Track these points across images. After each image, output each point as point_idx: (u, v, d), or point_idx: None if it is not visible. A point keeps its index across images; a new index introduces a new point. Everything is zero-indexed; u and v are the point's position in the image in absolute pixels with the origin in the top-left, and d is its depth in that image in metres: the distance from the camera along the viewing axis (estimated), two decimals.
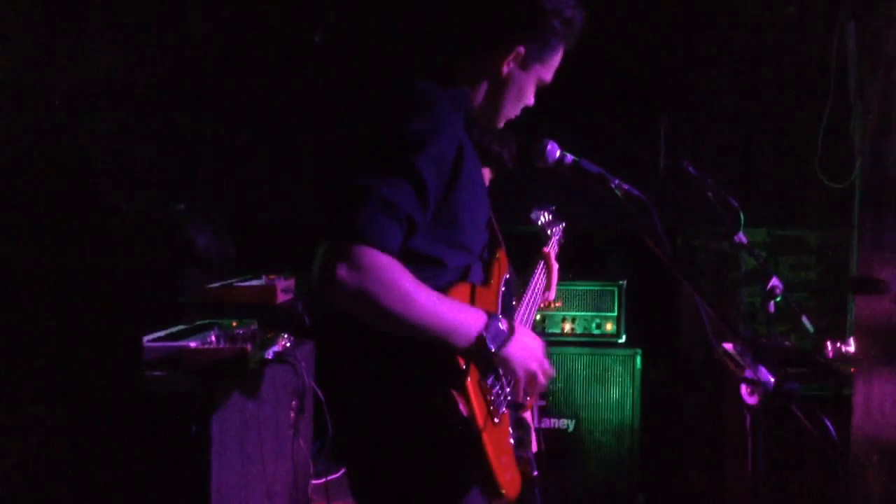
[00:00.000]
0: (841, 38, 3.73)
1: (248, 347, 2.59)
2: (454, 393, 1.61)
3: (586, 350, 4.17)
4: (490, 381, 1.72)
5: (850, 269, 4.27)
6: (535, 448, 3.02)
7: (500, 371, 1.78)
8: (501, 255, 1.95)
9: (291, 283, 3.24)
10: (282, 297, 3.12)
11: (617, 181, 1.93)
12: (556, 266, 2.77)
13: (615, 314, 4.26)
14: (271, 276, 3.27)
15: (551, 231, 2.83)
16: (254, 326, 2.85)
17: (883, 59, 2.07)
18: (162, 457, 2.28)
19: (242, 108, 4.61)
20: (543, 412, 4.09)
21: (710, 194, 3.13)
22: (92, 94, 4.19)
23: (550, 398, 4.11)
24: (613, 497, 4.14)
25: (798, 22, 4.15)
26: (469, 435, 1.62)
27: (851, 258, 4.24)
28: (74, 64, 3.95)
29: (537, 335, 1.86)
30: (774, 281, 3.01)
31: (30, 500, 2.07)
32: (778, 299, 3.03)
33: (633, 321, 4.31)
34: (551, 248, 2.79)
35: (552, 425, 4.12)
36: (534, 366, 1.80)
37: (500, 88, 1.83)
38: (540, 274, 2.60)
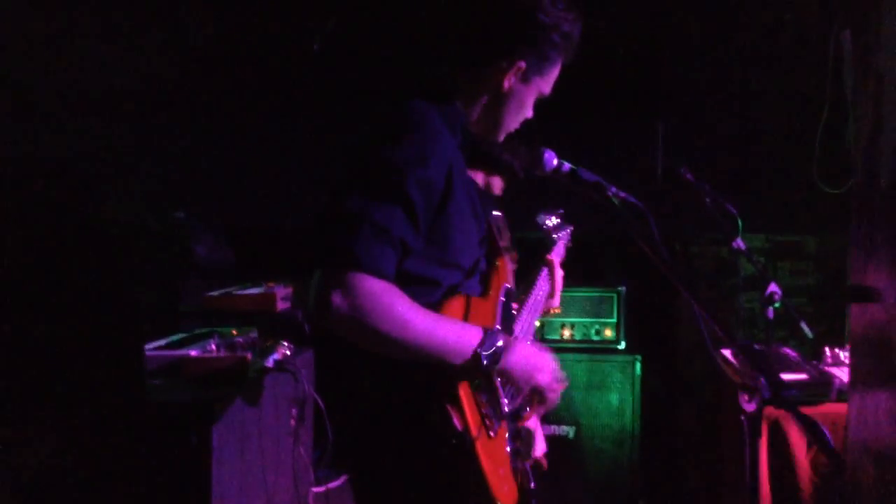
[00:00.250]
0: (837, 45, 3.74)
1: (248, 356, 2.59)
2: (448, 407, 1.62)
3: (585, 356, 4.17)
4: (485, 394, 1.73)
5: (848, 276, 4.28)
6: (543, 450, 3.02)
7: (498, 384, 1.79)
8: (501, 263, 1.95)
9: (291, 290, 3.25)
10: (281, 305, 3.13)
11: (614, 189, 1.94)
12: (560, 273, 2.75)
13: (614, 320, 4.26)
14: (271, 284, 3.28)
15: (558, 235, 2.80)
16: (253, 335, 2.86)
17: (873, 71, 2.09)
18: (162, 466, 2.29)
19: (241, 116, 4.62)
20: (543, 419, 4.09)
21: (707, 200, 3.14)
22: (91, 101, 4.20)
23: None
24: (614, 503, 4.14)
25: (795, 29, 4.16)
26: (464, 448, 1.62)
27: (849, 264, 4.24)
28: (72, 71, 3.96)
29: (538, 343, 1.87)
30: (773, 287, 3.02)
31: None
32: (776, 305, 3.03)
33: (632, 327, 4.31)
34: (556, 254, 2.77)
35: (552, 432, 4.12)
36: (539, 378, 1.81)
37: (500, 102, 1.84)
38: (543, 280, 2.58)
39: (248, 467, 2.63)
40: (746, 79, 4.54)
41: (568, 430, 4.13)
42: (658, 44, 4.46)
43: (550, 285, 2.66)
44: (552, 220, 2.81)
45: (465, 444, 1.62)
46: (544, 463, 2.94)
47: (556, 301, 2.76)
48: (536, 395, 1.84)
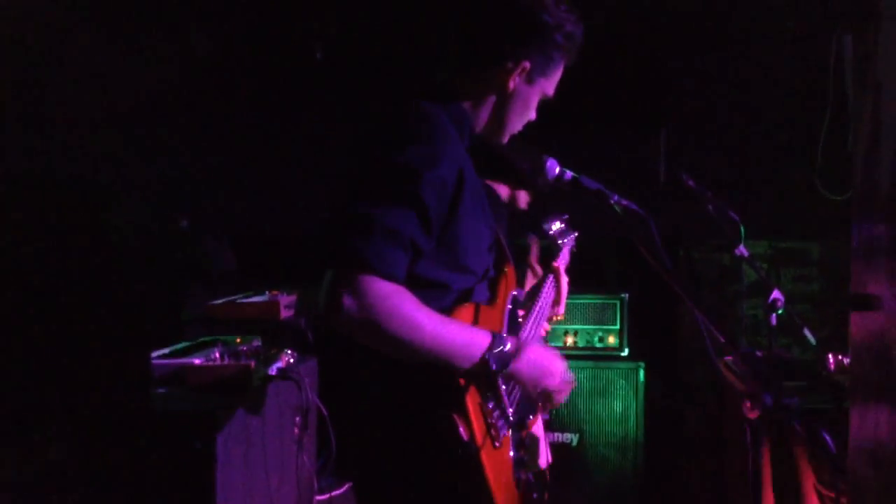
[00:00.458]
0: (838, 52, 3.74)
1: (252, 364, 2.60)
2: (455, 416, 1.62)
3: (589, 363, 4.17)
4: (491, 403, 1.73)
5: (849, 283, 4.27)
6: (548, 460, 3.01)
7: (503, 392, 1.79)
8: (509, 270, 1.96)
9: (294, 298, 3.25)
10: (285, 314, 3.13)
11: (616, 197, 1.95)
12: (565, 279, 2.75)
13: (618, 327, 4.26)
14: (274, 292, 3.28)
15: (562, 241, 2.80)
16: (257, 343, 2.87)
17: (872, 78, 2.09)
18: (167, 474, 2.29)
19: (245, 124, 4.63)
20: (546, 426, 4.09)
21: (710, 207, 3.14)
22: (95, 110, 4.21)
23: (553, 412, 4.11)
24: None
25: (796, 35, 4.17)
26: (469, 458, 1.63)
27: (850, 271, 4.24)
28: (77, 81, 3.98)
29: (545, 345, 1.87)
30: (776, 293, 3.01)
31: None
32: (780, 312, 3.03)
33: (635, 334, 4.31)
34: (561, 261, 2.77)
35: (556, 439, 4.11)
36: (547, 381, 1.81)
37: (505, 103, 1.85)
38: (549, 287, 2.58)
39: (252, 475, 2.63)
40: (748, 85, 4.55)
41: (571, 438, 4.12)
42: (660, 52, 4.47)
43: (556, 292, 2.66)
44: (557, 226, 2.80)
45: (470, 453, 1.62)
46: (547, 475, 2.95)
47: (562, 308, 2.76)
48: (544, 396, 1.84)
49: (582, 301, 4.24)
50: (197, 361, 2.59)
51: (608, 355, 4.21)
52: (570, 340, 4.24)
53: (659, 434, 4.40)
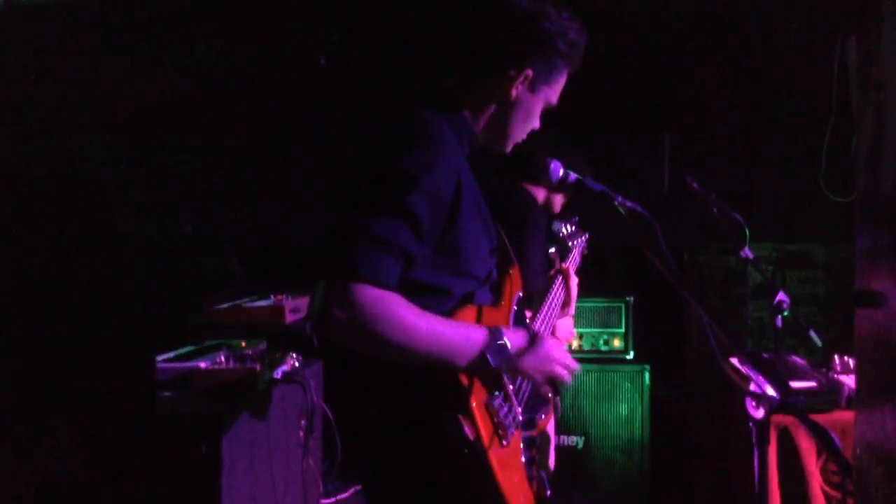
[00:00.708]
0: (843, 54, 3.75)
1: (258, 367, 2.61)
2: (460, 417, 1.62)
3: (594, 367, 4.17)
4: (497, 402, 1.72)
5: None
6: (552, 465, 3.01)
7: (511, 391, 1.79)
8: (514, 272, 1.96)
9: (299, 302, 3.26)
10: (290, 317, 3.14)
11: (620, 198, 1.94)
12: (575, 281, 2.74)
13: (623, 330, 4.26)
14: (279, 296, 3.29)
15: (573, 243, 2.79)
16: (262, 346, 2.87)
17: (874, 79, 2.10)
18: (173, 477, 2.30)
19: (249, 130, 4.64)
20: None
21: (715, 210, 3.14)
22: (100, 119, 4.24)
23: (559, 415, 4.10)
24: None
25: (801, 38, 4.17)
26: (476, 458, 1.62)
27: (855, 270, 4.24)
28: (81, 90, 4.00)
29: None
30: (781, 295, 3.01)
31: None
32: (785, 314, 3.03)
33: (640, 337, 4.31)
34: (571, 263, 2.76)
35: (561, 442, 4.11)
36: (550, 367, 1.80)
37: (508, 112, 1.85)
38: (558, 289, 2.57)
39: (258, 478, 2.64)
40: (752, 88, 4.55)
41: (577, 441, 4.12)
42: (665, 56, 4.47)
43: (565, 294, 2.65)
44: (568, 228, 2.79)
45: (477, 453, 1.62)
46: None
47: (572, 310, 2.74)
48: (551, 383, 1.84)
49: (587, 304, 4.24)
50: (203, 365, 2.59)
51: (613, 358, 4.21)
52: (575, 343, 4.23)
53: (664, 437, 4.40)
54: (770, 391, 1.55)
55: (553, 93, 1.90)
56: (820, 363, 3.49)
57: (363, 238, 1.56)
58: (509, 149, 1.92)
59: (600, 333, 4.25)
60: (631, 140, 4.49)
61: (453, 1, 1.93)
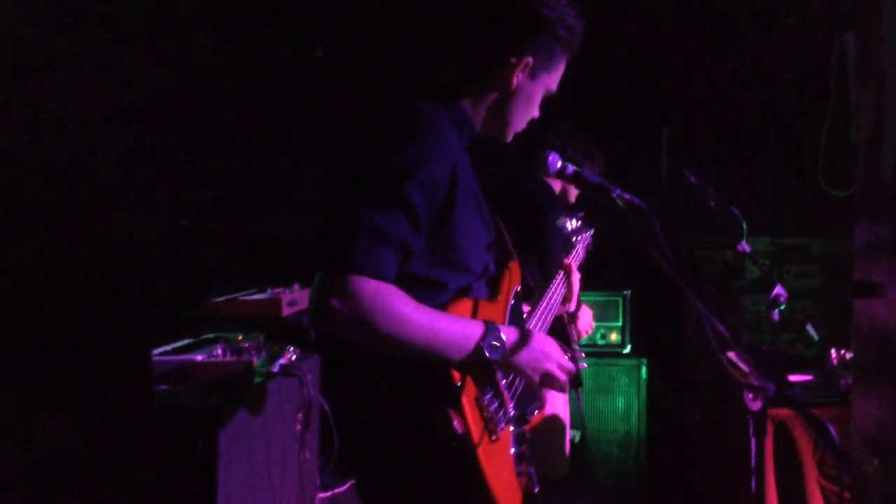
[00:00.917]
0: (840, 48, 3.74)
1: (254, 360, 2.60)
2: (449, 410, 1.62)
3: (591, 360, 4.17)
4: (488, 397, 1.72)
5: (852, 272, 4.27)
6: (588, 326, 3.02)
7: (503, 386, 1.79)
8: (514, 266, 1.95)
9: (297, 296, 3.25)
10: (287, 311, 3.13)
11: (618, 191, 1.94)
12: (577, 276, 2.73)
13: (620, 324, 4.26)
14: (277, 290, 3.28)
15: (577, 238, 2.78)
16: (260, 340, 2.87)
17: (874, 71, 2.09)
18: (169, 470, 2.29)
19: (246, 123, 4.63)
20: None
21: (712, 204, 3.14)
22: (96, 111, 4.22)
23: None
24: None
25: (799, 32, 4.17)
26: (464, 452, 1.62)
27: (854, 261, 4.24)
28: (79, 82, 3.99)
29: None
30: (778, 289, 3.01)
31: None
32: (782, 308, 3.03)
33: (637, 331, 4.31)
34: (574, 258, 2.75)
35: None
36: (546, 365, 1.80)
37: (509, 100, 1.84)
38: (559, 284, 2.56)
39: (255, 472, 2.63)
40: (750, 82, 4.54)
41: (574, 434, 4.12)
42: (663, 49, 4.47)
43: (567, 289, 2.64)
44: (573, 223, 2.78)
45: (466, 447, 1.62)
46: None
47: (573, 306, 2.73)
48: (545, 381, 1.83)
49: (584, 298, 4.22)
50: (199, 358, 2.59)
51: (610, 352, 4.21)
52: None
53: (661, 430, 4.41)
54: (767, 383, 1.54)
55: (553, 80, 1.89)
56: (817, 357, 3.50)
57: (362, 230, 1.55)
58: (510, 138, 1.92)
59: (597, 327, 4.24)
60: (628, 133, 4.49)
61: None
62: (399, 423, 1.67)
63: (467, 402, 1.65)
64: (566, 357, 1.87)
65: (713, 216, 3.13)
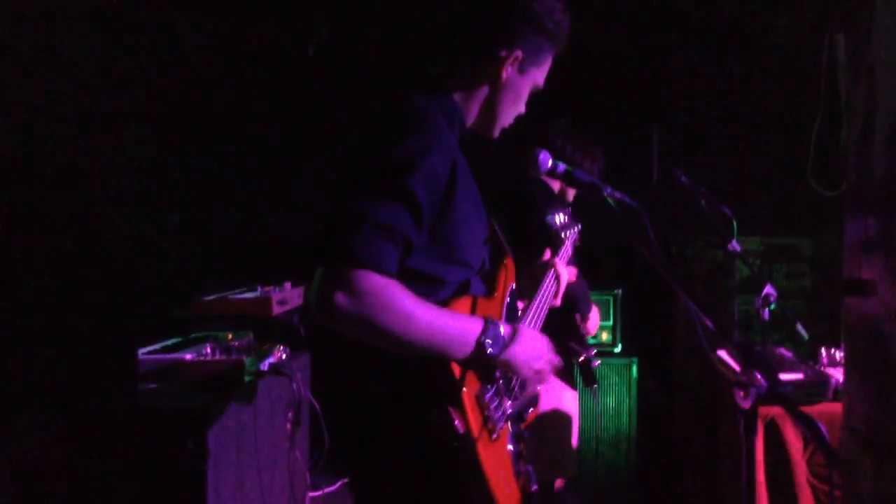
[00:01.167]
0: (830, 49, 3.76)
1: (244, 359, 2.59)
2: (450, 409, 1.61)
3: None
4: (489, 396, 1.71)
5: (842, 269, 4.29)
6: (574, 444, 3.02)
7: (501, 384, 1.78)
8: (509, 262, 1.95)
9: (287, 294, 3.24)
10: (277, 309, 3.12)
11: (609, 189, 1.94)
12: (564, 275, 2.73)
13: (611, 323, 4.26)
14: (267, 288, 3.27)
15: (565, 234, 2.78)
16: (249, 338, 2.85)
17: (865, 69, 2.10)
18: (158, 470, 2.28)
19: (236, 122, 4.62)
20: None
21: (703, 203, 3.15)
22: (86, 108, 4.20)
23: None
24: None
25: (789, 33, 4.18)
26: (465, 451, 1.61)
27: (844, 258, 4.26)
28: (69, 79, 3.97)
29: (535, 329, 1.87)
30: (768, 289, 3.02)
31: None
32: (772, 307, 3.03)
33: (628, 330, 4.31)
34: (563, 255, 2.75)
35: None
36: (539, 364, 1.80)
37: (497, 94, 1.84)
38: (550, 280, 2.56)
39: (244, 471, 2.62)
40: (741, 82, 4.56)
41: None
42: (654, 48, 4.48)
43: (557, 285, 2.64)
44: (561, 218, 2.78)
45: (466, 446, 1.61)
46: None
47: (559, 301, 2.74)
48: (537, 377, 1.83)
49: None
50: (188, 357, 2.58)
51: (601, 351, 4.21)
52: None
53: (651, 429, 4.41)
54: (758, 380, 1.54)
55: (540, 74, 1.89)
56: (807, 356, 3.51)
57: (365, 224, 1.54)
58: (497, 133, 1.92)
59: None
60: (619, 132, 4.49)
61: None
62: (398, 421, 1.66)
63: (468, 400, 1.64)
64: (558, 357, 1.87)
65: (704, 215, 3.14)
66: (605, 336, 4.25)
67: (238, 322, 3.00)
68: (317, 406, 2.85)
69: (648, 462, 4.37)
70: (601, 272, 4.65)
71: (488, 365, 1.70)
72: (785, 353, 3.50)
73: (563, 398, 3.17)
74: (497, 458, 1.70)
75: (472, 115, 1.86)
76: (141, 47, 4.25)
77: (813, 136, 3.96)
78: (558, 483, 3.22)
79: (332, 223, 1.58)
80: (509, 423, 1.80)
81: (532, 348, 1.79)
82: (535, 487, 1.85)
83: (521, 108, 1.91)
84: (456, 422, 1.60)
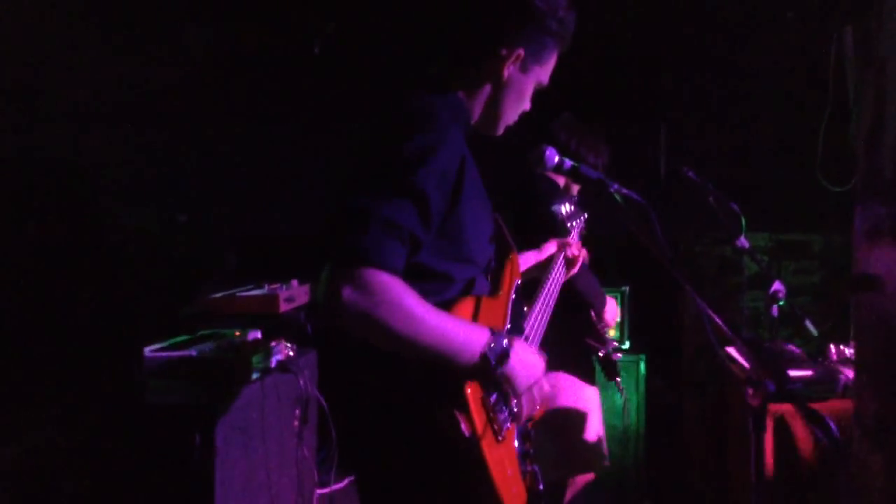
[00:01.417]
0: (839, 43, 3.74)
1: (251, 357, 2.59)
2: (456, 412, 1.60)
3: None
4: (493, 398, 1.70)
5: (852, 264, 4.28)
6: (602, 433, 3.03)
7: (505, 388, 1.77)
8: (514, 258, 1.94)
9: (294, 292, 3.24)
10: (284, 307, 3.12)
11: (616, 185, 1.93)
12: (583, 253, 2.72)
13: (619, 320, 4.24)
14: (274, 286, 3.27)
15: (572, 224, 2.77)
16: (257, 335, 2.86)
17: (875, 60, 2.08)
18: (166, 467, 2.29)
19: (243, 120, 4.63)
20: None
21: (711, 199, 3.14)
22: (92, 107, 4.21)
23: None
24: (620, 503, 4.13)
25: (797, 27, 4.16)
26: (471, 453, 1.60)
27: (853, 253, 4.25)
28: (74, 77, 3.97)
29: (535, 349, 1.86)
30: (777, 285, 3.01)
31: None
32: (781, 303, 3.03)
33: (636, 327, 4.30)
34: (571, 241, 2.74)
35: None
36: (533, 388, 1.79)
37: (500, 92, 1.83)
38: (557, 272, 2.54)
39: (252, 468, 2.63)
40: (749, 78, 4.54)
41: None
42: (661, 46, 4.46)
43: (566, 275, 2.63)
44: (567, 208, 2.77)
45: (472, 449, 1.60)
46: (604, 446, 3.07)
47: (576, 269, 2.71)
48: (528, 400, 1.81)
49: None
50: (196, 354, 2.58)
51: None
52: None
53: (660, 426, 4.40)
54: (767, 378, 1.54)
55: (544, 73, 1.88)
56: (816, 353, 3.49)
57: (374, 221, 1.53)
58: (501, 131, 1.91)
59: None
60: (627, 129, 4.48)
61: None
62: (404, 423, 1.65)
63: (473, 403, 1.63)
64: (546, 385, 1.84)
65: (712, 212, 3.13)
66: (612, 333, 4.23)
67: (245, 320, 3.01)
68: (324, 403, 2.85)
69: (656, 459, 4.36)
70: (608, 269, 4.64)
71: (491, 376, 1.69)
72: (794, 349, 3.48)
73: (582, 395, 3.15)
74: (504, 458, 1.69)
75: (475, 113, 1.86)
76: (147, 46, 4.26)
77: (821, 130, 3.94)
78: (585, 478, 3.20)
79: (340, 221, 1.57)
80: (515, 423, 1.79)
81: (528, 366, 1.77)
82: (542, 486, 1.84)
83: (527, 106, 1.90)
84: (462, 425, 1.59)
